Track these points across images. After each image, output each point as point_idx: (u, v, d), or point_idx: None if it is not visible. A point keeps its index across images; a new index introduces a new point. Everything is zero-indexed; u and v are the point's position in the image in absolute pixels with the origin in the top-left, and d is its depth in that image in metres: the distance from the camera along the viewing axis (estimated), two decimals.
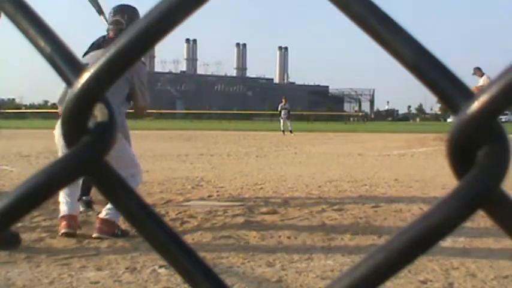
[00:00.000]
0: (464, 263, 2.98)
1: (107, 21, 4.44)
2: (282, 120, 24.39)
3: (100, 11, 4.93)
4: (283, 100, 25.19)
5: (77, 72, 0.33)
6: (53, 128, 3.71)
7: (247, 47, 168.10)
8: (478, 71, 13.22)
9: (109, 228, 3.48)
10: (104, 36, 4.18)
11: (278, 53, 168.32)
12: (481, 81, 12.59)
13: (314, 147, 13.67)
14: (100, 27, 4.51)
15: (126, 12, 3.98)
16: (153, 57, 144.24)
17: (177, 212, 4.40)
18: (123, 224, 3.50)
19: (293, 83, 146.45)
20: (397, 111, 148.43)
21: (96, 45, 4.02)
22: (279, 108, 25.20)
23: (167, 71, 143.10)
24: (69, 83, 0.33)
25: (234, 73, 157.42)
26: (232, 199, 5.14)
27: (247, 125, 39.07)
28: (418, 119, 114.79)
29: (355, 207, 4.67)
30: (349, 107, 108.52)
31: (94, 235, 3.50)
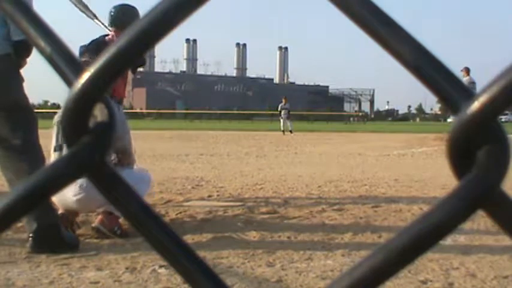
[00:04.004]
0: (464, 263, 2.97)
1: (102, 23, 4.41)
2: (282, 120, 24.40)
3: (93, 15, 4.76)
4: (283, 100, 25.22)
5: (77, 72, 0.33)
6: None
7: (247, 47, 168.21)
8: (465, 71, 13.34)
9: (110, 222, 3.48)
10: (104, 36, 4.18)
11: (278, 53, 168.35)
12: (464, 81, 12.75)
13: (314, 147, 13.67)
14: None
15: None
16: (153, 57, 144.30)
17: (177, 212, 4.40)
18: (125, 225, 3.50)
19: (293, 83, 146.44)
20: (397, 111, 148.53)
21: (95, 44, 4.02)
22: (279, 108, 25.23)
23: (167, 71, 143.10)
24: (69, 83, 0.33)
25: (234, 73, 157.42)
26: (232, 199, 5.13)
27: (247, 125, 39.06)
28: (418, 119, 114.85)
29: (355, 207, 4.67)
30: (349, 107, 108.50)
31: (93, 225, 3.52)
